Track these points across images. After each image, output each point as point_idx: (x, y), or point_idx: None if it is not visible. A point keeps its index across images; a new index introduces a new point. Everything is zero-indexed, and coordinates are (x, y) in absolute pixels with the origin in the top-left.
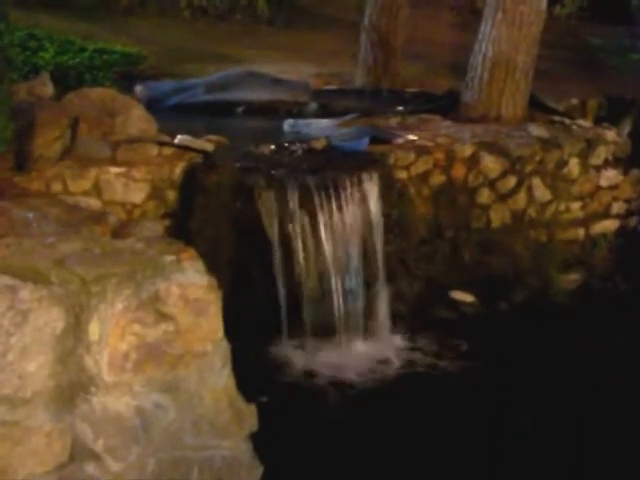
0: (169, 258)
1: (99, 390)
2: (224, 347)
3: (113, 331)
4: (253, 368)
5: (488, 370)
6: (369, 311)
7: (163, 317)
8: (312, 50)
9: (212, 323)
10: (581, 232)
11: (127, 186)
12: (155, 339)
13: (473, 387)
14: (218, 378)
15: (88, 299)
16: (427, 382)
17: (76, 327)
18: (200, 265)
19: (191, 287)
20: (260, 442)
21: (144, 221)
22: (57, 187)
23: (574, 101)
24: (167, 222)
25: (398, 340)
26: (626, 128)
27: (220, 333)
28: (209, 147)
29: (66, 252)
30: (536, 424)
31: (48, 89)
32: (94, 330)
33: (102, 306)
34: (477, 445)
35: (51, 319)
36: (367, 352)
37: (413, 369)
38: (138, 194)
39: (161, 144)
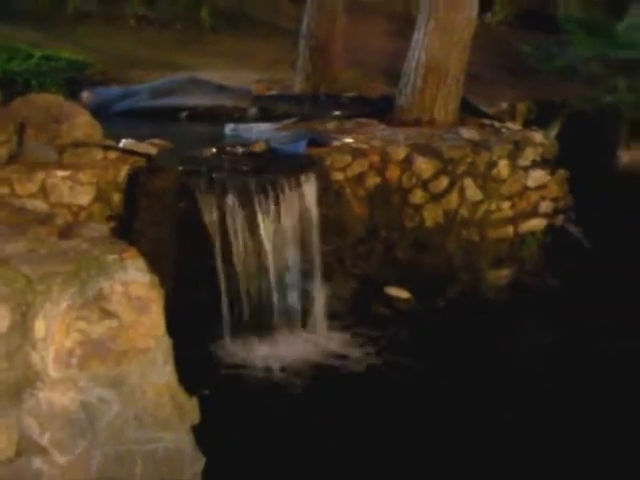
0: (112, 257)
1: (45, 385)
2: (166, 343)
3: (58, 328)
4: (195, 363)
5: (422, 363)
6: (307, 307)
7: (107, 314)
8: (253, 57)
9: (154, 320)
10: (511, 230)
11: (73, 189)
12: (99, 336)
13: (405, 379)
14: (160, 373)
15: (34, 297)
16: (360, 374)
17: (22, 325)
18: (142, 264)
19: (133, 285)
20: (202, 434)
21: (90, 223)
22: (4, 190)
23: (504, 105)
24: (112, 223)
25: (335, 335)
26: (554, 130)
27: (162, 329)
28: (153, 151)
29: (11, 252)
30: (464, 411)
31: None
32: (40, 327)
33: (47, 304)
34: (403, 428)
35: None
36: (304, 347)
37: (348, 362)
38: (84, 197)
39: (106, 148)
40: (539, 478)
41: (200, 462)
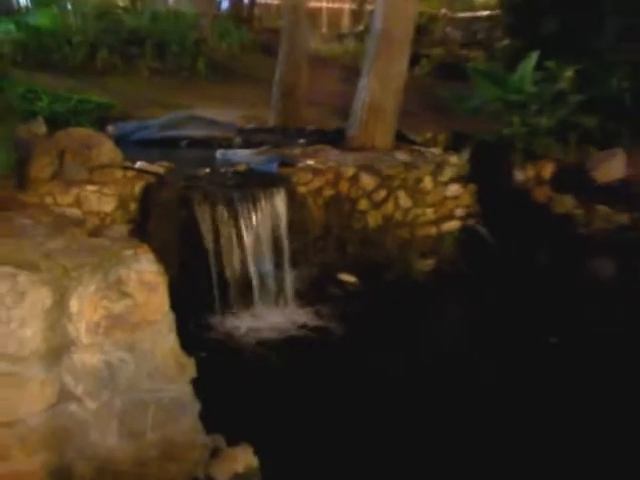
0: (129, 252)
1: (78, 349)
2: (170, 316)
3: (88, 306)
4: (195, 331)
5: (365, 329)
6: (278, 289)
7: (125, 295)
8: (238, 99)
9: (161, 299)
10: (434, 230)
11: (100, 200)
12: (119, 311)
13: (352, 341)
14: (166, 339)
15: (69, 282)
16: (320, 338)
17: (60, 303)
18: (151, 256)
19: (145, 273)
20: (199, 385)
21: (113, 225)
22: (48, 201)
23: (429, 135)
24: (130, 226)
25: (300, 309)
26: (466, 155)
27: (167, 306)
28: (161, 170)
29: (52, 248)
30: (394, 365)
31: (42, 128)
32: (74, 305)
33: (80, 287)
34: (349, 383)
35: (41, 297)
36: (277, 318)
37: (310, 329)
38: (108, 205)
39: (125, 168)
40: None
41: (197, 407)
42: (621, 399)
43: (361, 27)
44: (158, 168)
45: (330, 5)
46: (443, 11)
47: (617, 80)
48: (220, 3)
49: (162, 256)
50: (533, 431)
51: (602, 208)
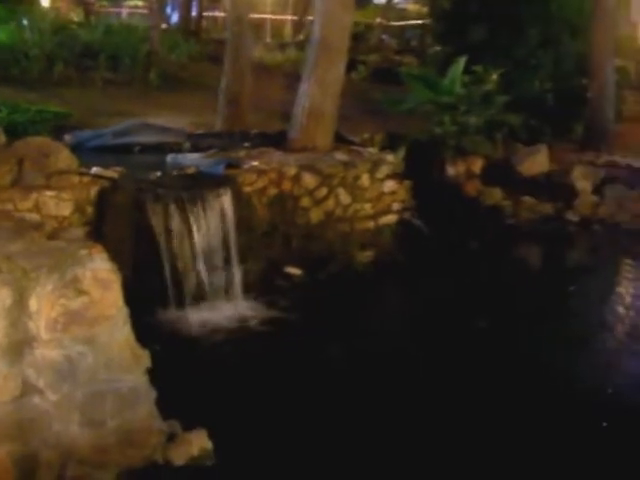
0: (84, 252)
1: (39, 344)
2: (124, 311)
3: (46, 304)
4: (150, 325)
5: (311, 319)
6: (228, 283)
7: (81, 292)
8: (188, 107)
9: (115, 295)
10: (372, 224)
11: (58, 204)
12: (76, 308)
13: (299, 330)
14: (121, 332)
15: (28, 282)
16: (268, 328)
17: (20, 302)
18: (105, 256)
19: (99, 271)
20: (155, 375)
21: (70, 228)
22: (9, 206)
23: (366, 135)
24: (87, 229)
25: (249, 302)
26: (401, 153)
27: (121, 301)
28: (115, 175)
29: (13, 251)
30: (339, 354)
31: (1, 138)
32: (33, 304)
33: (38, 287)
34: (295, 369)
35: (2, 297)
36: (227, 310)
37: (258, 319)
38: (66, 210)
39: (81, 174)
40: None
41: (153, 395)
42: (543, 376)
43: (302, 36)
44: (112, 173)
45: (274, 16)
46: (378, 20)
47: (539, 82)
48: (170, 17)
49: (117, 255)
50: (458, 408)
51: (528, 199)
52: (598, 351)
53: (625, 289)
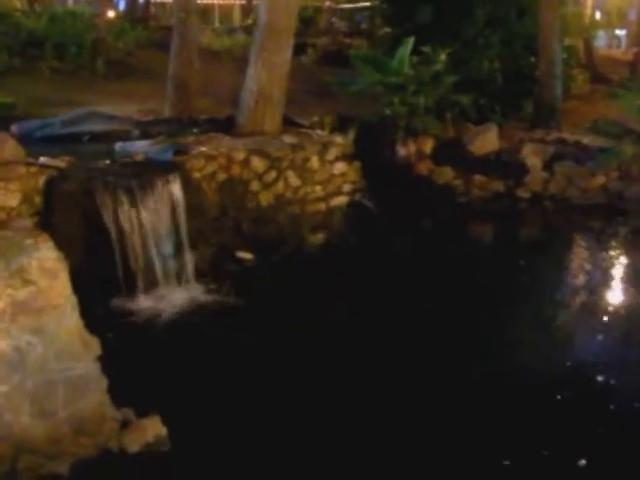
0: (29, 241)
1: None
2: (73, 299)
3: None
4: (101, 313)
5: (262, 301)
6: (180, 269)
7: (27, 282)
8: (136, 94)
9: (63, 283)
10: (323, 206)
11: (5, 195)
12: (23, 298)
13: (250, 313)
14: (70, 320)
15: None
16: (220, 312)
17: None
18: (51, 245)
19: (46, 260)
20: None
21: (19, 219)
22: None
23: (315, 118)
24: (36, 219)
25: (201, 287)
26: (351, 135)
27: (69, 290)
28: (63, 164)
29: None
30: (292, 336)
31: None
32: None
33: None
34: (247, 352)
35: None
36: (179, 296)
37: (212, 303)
38: (14, 200)
39: (28, 164)
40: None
41: (105, 383)
42: (493, 351)
43: (250, 21)
44: (60, 162)
45: (222, 1)
46: (327, 3)
47: (488, 62)
48: (117, 3)
49: (67, 244)
50: (403, 387)
51: (479, 178)
52: (550, 325)
53: (577, 263)
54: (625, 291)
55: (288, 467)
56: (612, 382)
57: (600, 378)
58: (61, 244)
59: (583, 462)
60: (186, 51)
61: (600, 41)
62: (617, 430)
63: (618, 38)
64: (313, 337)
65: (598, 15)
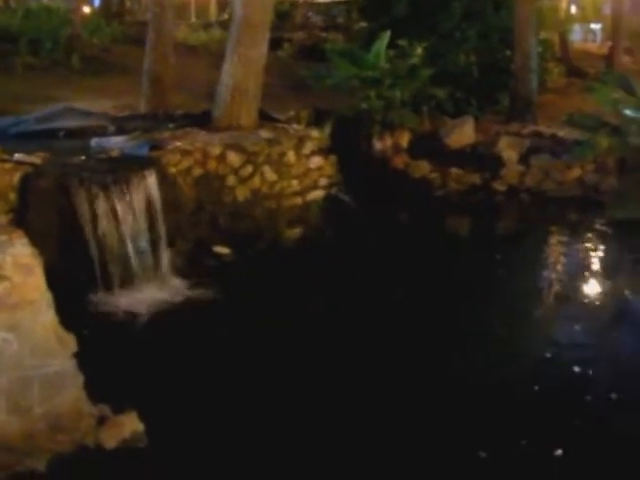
0: (3, 237)
1: None
2: (48, 295)
3: None
4: (78, 310)
5: (239, 296)
6: (157, 265)
7: (2, 278)
8: (112, 90)
9: (37, 279)
10: (300, 200)
11: None
12: None
13: (228, 308)
14: (45, 317)
15: None
16: (197, 308)
17: None
18: (26, 241)
19: (20, 256)
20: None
21: None
22: None
23: (291, 113)
24: (10, 216)
25: (178, 282)
26: (327, 129)
27: (44, 286)
28: (38, 161)
29: None
30: (270, 330)
31: None
32: None
33: None
34: (224, 347)
35: None
36: (157, 293)
37: (189, 299)
38: None
39: (2, 161)
40: None
41: (80, 379)
42: (470, 343)
43: (227, 15)
44: (35, 159)
45: None
46: None
47: (464, 55)
48: None
49: (42, 240)
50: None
51: (455, 171)
52: (526, 317)
53: (553, 256)
54: (601, 283)
55: (265, 461)
56: (589, 373)
57: (577, 369)
58: (36, 240)
59: (559, 452)
60: (161, 46)
61: (576, 35)
62: (593, 421)
63: (593, 32)
64: (290, 332)
65: (574, 9)
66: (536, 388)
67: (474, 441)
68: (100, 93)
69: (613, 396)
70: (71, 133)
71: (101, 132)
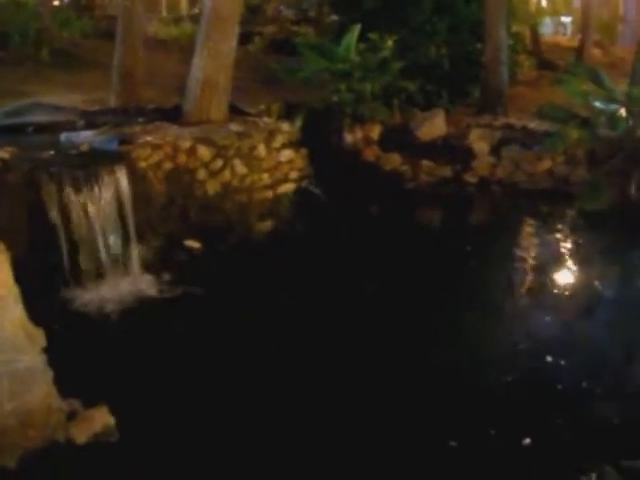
0: None
1: None
2: (15, 290)
3: None
4: (47, 305)
5: (210, 290)
6: (127, 259)
7: None
8: (81, 84)
9: (5, 275)
10: (270, 193)
11: None
12: None
13: (198, 302)
14: (13, 312)
15: None
16: (168, 300)
17: None
18: None
19: None
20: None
21: None
22: None
23: (262, 106)
24: None
25: (149, 277)
26: (298, 122)
27: (11, 281)
28: (6, 155)
29: None
30: (240, 324)
31: None
32: None
33: None
34: (193, 341)
35: None
36: (127, 287)
37: (159, 293)
38: None
39: None
40: None
41: (50, 374)
42: (439, 335)
43: (197, 10)
44: (3, 153)
45: None
46: None
47: (435, 48)
48: None
49: (11, 235)
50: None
51: (426, 163)
52: (497, 308)
53: (524, 247)
54: (572, 274)
55: (236, 454)
56: (560, 362)
57: (548, 359)
58: (4, 235)
59: (527, 441)
60: (132, 40)
61: (546, 28)
62: (564, 410)
63: (564, 25)
64: (261, 325)
65: (544, 2)
66: (508, 378)
67: (445, 430)
68: (70, 87)
69: (584, 385)
70: (40, 128)
71: (70, 127)
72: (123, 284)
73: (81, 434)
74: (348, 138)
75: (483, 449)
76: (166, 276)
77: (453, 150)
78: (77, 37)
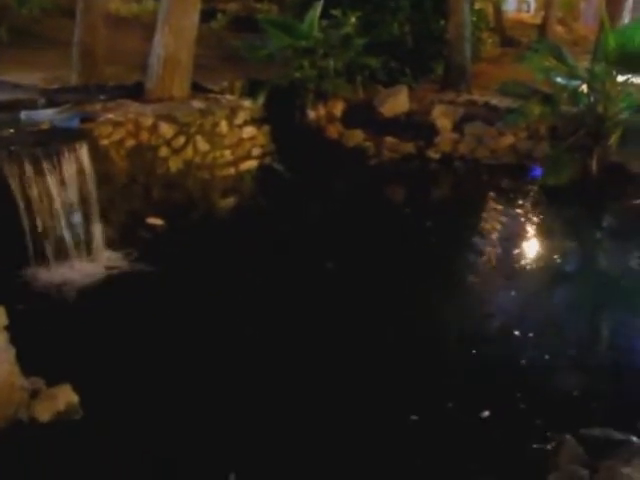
0: None
1: None
2: None
3: None
4: (10, 285)
5: (173, 268)
6: (90, 238)
7: None
8: (42, 62)
9: None
10: (233, 170)
11: None
12: None
13: (162, 280)
14: None
15: None
16: (131, 278)
17: None
18: None
19: None
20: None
21: None
22: None
23: (225, 84)
24: None
25: (112, 255)
26: (261, 99)
27: None
28: None
29: None
30: (203, 301)
31: None
32: None
33: None
34: (158, 319)
35: None
36: (91, 265)
37: (122, 270)
38: None
39: None
40: None
41: (12, 352)
42: (401, 310)
43: None
44: None
45: None
46: None
47: (398, 24)
48: None
49: None
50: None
51: (390, 140)
52: (462, 284)
53: (486, 222)
54: (533, 248)
55: (203, 434)
56: (521, 336)
57: (509, 332)
58: None
59: (486, 414)
60: (91, 17)
61: (509, 5)
62: (524, 382)
63: (527, 2)
64: (225, 302)
65: None
66: (469, 352)
67: (405, 405)
68: (30, 66)
69: (544, 357)
70: None
71: (31, 105)
72: (86, 262)
73: (44, 412)
74: (311, 115)
75: (443, 422)
76: (129, 254)
77: (416, 126)
78: (37, 14)
